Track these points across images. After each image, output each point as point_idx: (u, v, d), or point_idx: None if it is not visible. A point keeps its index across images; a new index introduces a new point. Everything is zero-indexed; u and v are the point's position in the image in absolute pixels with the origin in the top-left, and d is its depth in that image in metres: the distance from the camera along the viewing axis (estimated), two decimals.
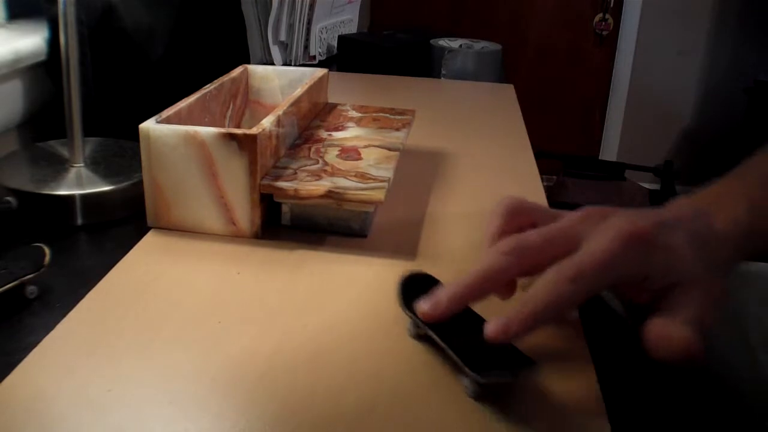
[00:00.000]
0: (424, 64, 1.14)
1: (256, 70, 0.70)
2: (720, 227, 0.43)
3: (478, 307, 0.40)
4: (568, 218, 0.42)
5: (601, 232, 0.39)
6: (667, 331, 0.39)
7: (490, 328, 0.36)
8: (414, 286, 0.41)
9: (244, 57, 0.98)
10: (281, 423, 0.33)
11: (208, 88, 0.60)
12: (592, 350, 0.40)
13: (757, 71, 2.51)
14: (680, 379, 0.68)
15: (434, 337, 0.39)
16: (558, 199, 2.16)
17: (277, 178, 0.51)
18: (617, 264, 0.38)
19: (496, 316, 0.36)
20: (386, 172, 0.54)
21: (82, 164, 0.58)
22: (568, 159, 2.42)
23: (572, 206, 0.51)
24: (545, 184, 0.67)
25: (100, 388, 0.35)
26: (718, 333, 0.67)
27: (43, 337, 0.39)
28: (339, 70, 1.12)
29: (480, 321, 0.39)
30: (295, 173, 0.52)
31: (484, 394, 0.36)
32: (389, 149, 0.59)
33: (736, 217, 0.44)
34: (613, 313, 0.71)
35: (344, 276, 0.47)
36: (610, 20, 2.70)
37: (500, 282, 0.41)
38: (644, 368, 0.69)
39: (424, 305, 0.38)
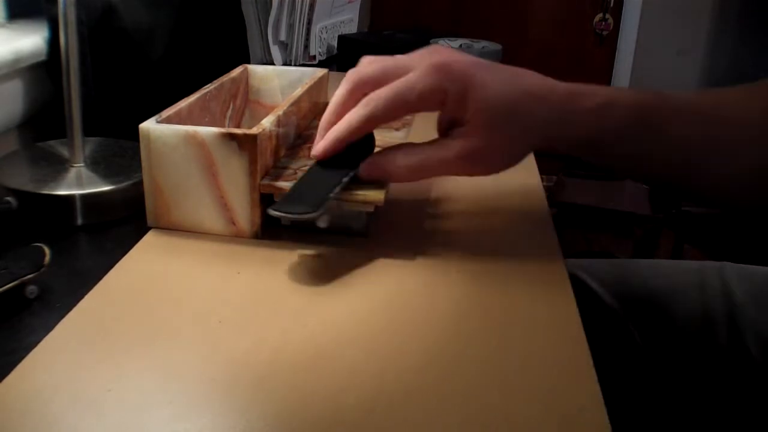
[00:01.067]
0: None
1: (256, 70, 0.70)
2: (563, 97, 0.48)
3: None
4: (407, 55, 0.49)
5: (418, 63, 0.47)
6: (381, 162, 0.49)
7: (316, 148, 0.49)
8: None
9: (244, 57, 0.98)
10: (281, 423, 0.33)
11: (208, 88, 0.60)
12: (592, 349, 0.40)
13: (757, 71, 2.50)
14: (679, 379, 0.68)
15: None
16: (558, 199, 2.15)
17: (277, 178, 0.51)
18: (419, 88, 0.46)
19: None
20: None
21: (82, 164, 0.58)
22: (569, 159, 2.41)
23: (572, 206, 0.51)
24: (545, 184, 0.67)
25: (100, 388, 0.35)
26: (715, 333, 0.67)
27: (43, 337, 0.39)
28: (339, 70, 1.12)
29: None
30: (295, 173, 0.52)
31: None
32: None
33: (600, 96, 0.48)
34: (608, 310, 0.71)
35: (344, 276, 0.47)
36: (610, 20, 2.70)
37: (347, 108, 0.49)
38: (643, 367, 0.69)
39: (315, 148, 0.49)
